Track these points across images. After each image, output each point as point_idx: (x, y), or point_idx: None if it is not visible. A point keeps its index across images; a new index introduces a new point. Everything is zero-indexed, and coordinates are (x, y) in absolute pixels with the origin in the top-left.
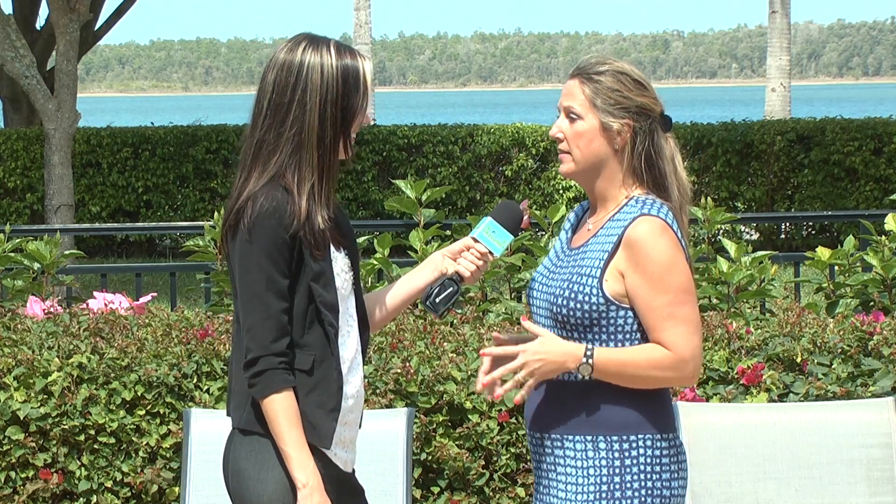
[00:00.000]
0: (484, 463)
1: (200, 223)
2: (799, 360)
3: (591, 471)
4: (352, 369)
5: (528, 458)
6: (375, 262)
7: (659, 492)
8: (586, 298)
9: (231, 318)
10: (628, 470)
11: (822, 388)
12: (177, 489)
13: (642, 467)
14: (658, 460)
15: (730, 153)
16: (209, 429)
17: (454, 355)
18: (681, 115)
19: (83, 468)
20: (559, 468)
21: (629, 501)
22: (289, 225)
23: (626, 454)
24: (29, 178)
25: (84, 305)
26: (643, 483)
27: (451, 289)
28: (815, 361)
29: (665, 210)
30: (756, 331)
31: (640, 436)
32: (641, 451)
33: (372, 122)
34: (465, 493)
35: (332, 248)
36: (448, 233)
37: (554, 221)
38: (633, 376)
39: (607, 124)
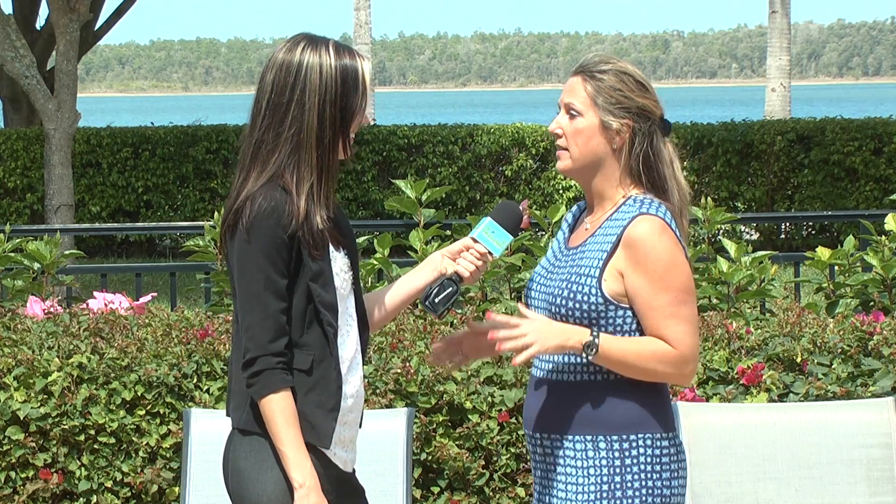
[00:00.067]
0: (484, 463)
1: (200, 223)
2: (799, 360)
3: (592, 470)
4: (351, 369)
5: (528, 458)
6: (375, 262)
7: (659, 491)
8: (585, 298)
9: (231, 318)
10: (629, 469)
11: (822, 388)
12: (177, 489)
13: (643, 466)
14: (658, 459)
15: (730, 153)
16: (209, 429)
17: None
18: (681, 115)
19: (83, 468)
20: (559, 468)
21: (630, 501)
22: (287, 225)
23: (627, 454)
24: (29, 178)
25: (84, 305)
26: (644, 482)
27: (451, 289)
28: (815, 361)
29: (663, 209)
30: (756, 331)
31: (640, 435)
32: (642, 450)
33: (372, 122)
34: (465, 493)
35: (332, 248)
36: (448, 233)
37: (554, 221)
38: (634, 365)
39: (607, 123)
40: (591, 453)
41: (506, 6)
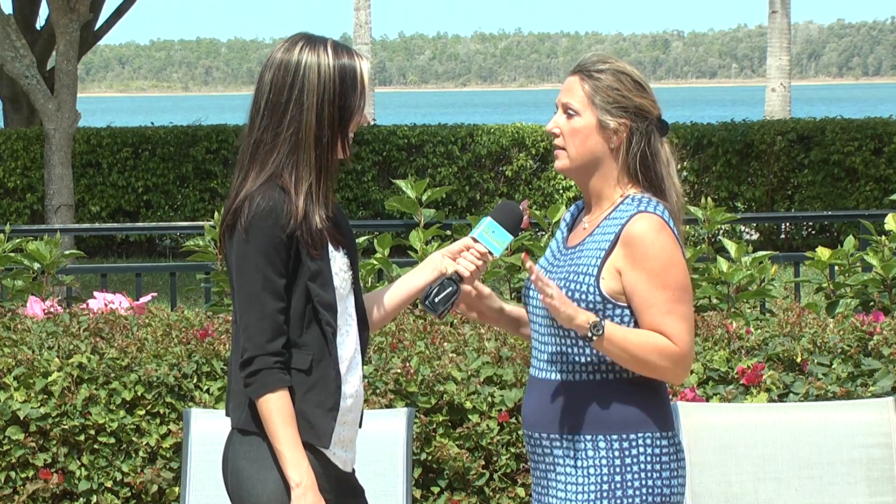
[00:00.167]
0: (484, 463)
1: (200, 223)
2: (799, 360)
3: (592, 470)
4: (350, 369)
5: (528, 457)
6: (375, 262)
7: (659, 490)
8: (583, 297)
9: (231, 319)
10: (629, 469)
11: (822, 388)
12: (177, 489)
13: (643, 466)
14: (658, 458)
15: (730, 153)
16: (209, 429)
17: (454, 355)
18: (681, 115)
19: (83, 468)
20: (558, 468)
21: (630, 500)
22: (286, 224)
23: (627, 453)
24: (29, 178)
25: (84, 305)
26: (644, 482)
27: (451, 289)
28: (815, 361)
29: (661, 208)
30: (756, 331)
31: (639, 434)
32: (641, 449)
33: (372, 122)
34: (465, 493)
35: (331, 248)
36: (448, 233)
37: (554, 221)
38: (634, 354)
39: (604, 122)
40: (590, 453)
41: (506, 6)
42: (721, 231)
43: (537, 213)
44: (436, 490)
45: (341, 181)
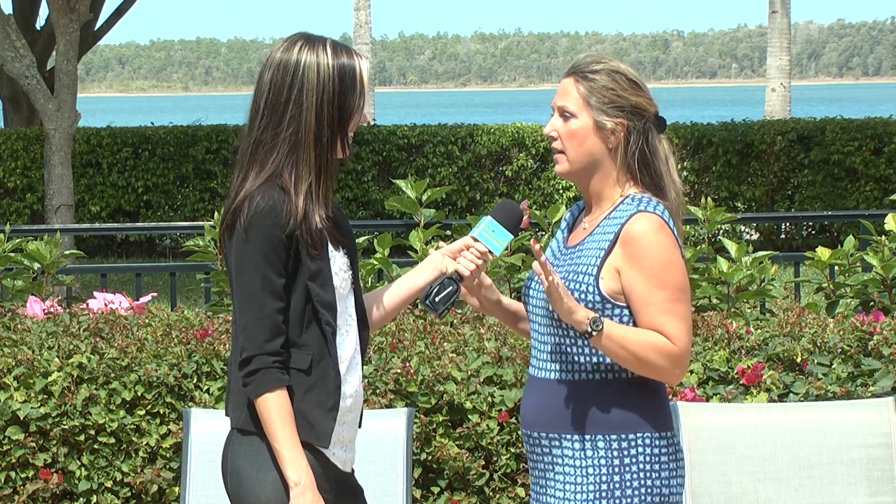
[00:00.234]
0: (484, 463)
1: (200, 223)
2: (799, 360)
3: (590, 470)
4: (350, 369)
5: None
6: (375, 262)
7: (658, 490)
8: (582, 296)
9: (231, 318)
10: (627, 468)
11: (822, 388)
12: (177, 489)
13: (641, 466)
14: (657, 458)
15: (730, 153)
16: (209, 429)
17: (454, 355)
18: (681, 115)
19: (83, 468)
20: (557, 468)
21: (629, 500)
22: (285, 224)
23: (625, 453)
24: (29, 178)
25: (84, 305)
26: (642, 482)
27: (451, 288)
28: (815, 361)
29: (661, 208)
30: (756, 331)
31: (638, 434)
32: (640, 449)
33: (371, 122)
34: (465, 493)
35: (331, 247)
36: (448, 233)
37: (554, 221)
38: (633, 352)
39: (601, 123)
40: (589, 452)
41: (506, 6)
42: (721, 231)
43: (537, 213)
44: (436, 490)
45: (341, 181)
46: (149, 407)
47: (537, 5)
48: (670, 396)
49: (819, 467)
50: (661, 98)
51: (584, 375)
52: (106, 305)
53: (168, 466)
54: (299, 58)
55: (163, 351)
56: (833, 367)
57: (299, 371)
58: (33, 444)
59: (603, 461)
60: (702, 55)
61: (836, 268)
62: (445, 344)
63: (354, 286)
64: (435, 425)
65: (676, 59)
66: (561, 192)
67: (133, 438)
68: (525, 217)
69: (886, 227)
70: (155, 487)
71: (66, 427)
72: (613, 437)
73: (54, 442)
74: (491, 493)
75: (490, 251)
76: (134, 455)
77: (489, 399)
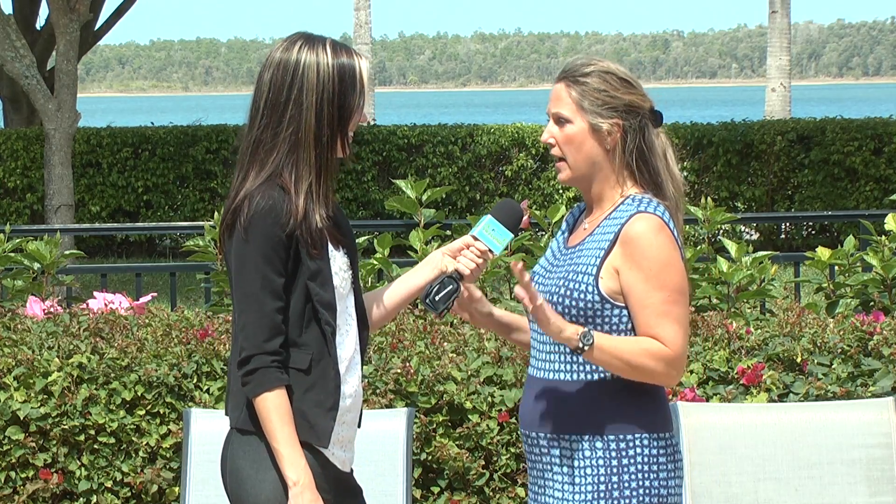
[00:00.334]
0: (484, 463)
1: (200, 223)
2: (799, 360)
3: (589, 470)
4: (350, 369)
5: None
6: (375, 262)
7: (656, 491)
8: (581, 296)
9: (231, 318)
10: (626, 469)
11: (822, 388)
12: (177, 489)
13: (640, 466)
14: (655, 459)
15: (730, 153)
16: (209, 429)
17: (454, 355)
18: (681, 115)
19: (83, 468)
20: (555, 468)
21: (627, 501)
22: (285, 224)
23: (624, 453)
24: (29, 178)
25: (84, 305)
26: (641, 482)
27: (451, 287)
28: (815, 361)
29: (661, 209)
30: (756, 331)
31: (637, 435)
32: (639, 450)
33: (371, 122)
34: (465, 493)
35: (331, 247)
36: (448, 233)
37: (554, 221)
38: (626, 360)
39: (596, 125)
40: (587, 453)
41: (506, 6)
42: (721, 231)
43: (537, 213)
44: (436, 490)
45: (341, 181)
46: (149, 407)
47: (537, 5)
48: (670, 396)
49: (819, 467)
50: (660, 98)
51: (584, 376)
52: (106, 305)
53: (168, 466)
54: (299, 57)
55: (163, 351)
56: (833, 367)
57: (299, 371)
58: (33, 444)
59: (601, 462)
60: (702, 55)
61: (836, 268)
62: (445, 344)
63: (354, 286)
64: (435, 425)
65: (676, 59)
66: (561, 192)
67: (133, 438)
68: (525, 217)
69: (886, 227)
70: (155, 487)
71: (66, 427)
72: (612, 437)
73: (54, 442)
74: (491, 494)
75: (490, 250)
76: (134, 455)
77: (489, 399)
